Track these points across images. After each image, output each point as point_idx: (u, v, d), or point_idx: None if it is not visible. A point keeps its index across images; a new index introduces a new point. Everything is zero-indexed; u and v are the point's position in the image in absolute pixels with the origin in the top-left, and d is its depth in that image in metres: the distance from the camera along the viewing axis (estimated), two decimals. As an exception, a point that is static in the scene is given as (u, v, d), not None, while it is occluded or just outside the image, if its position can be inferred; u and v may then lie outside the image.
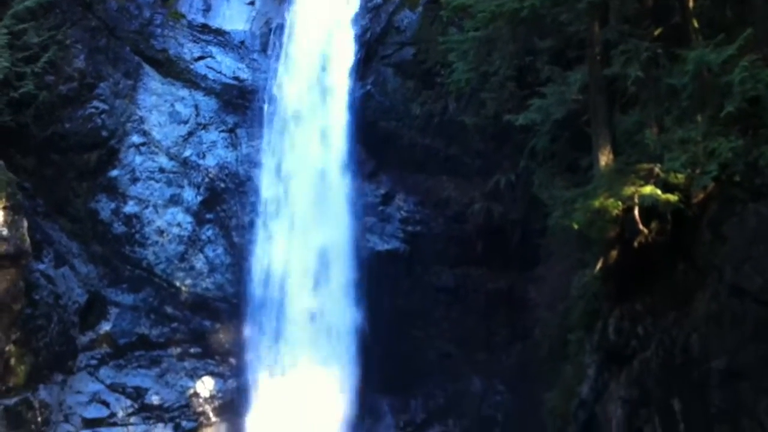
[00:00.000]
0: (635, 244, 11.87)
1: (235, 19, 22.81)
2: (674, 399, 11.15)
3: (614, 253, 12.64)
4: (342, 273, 19.99)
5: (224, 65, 22.01)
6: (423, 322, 19.65)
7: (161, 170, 20.89)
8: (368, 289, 19.58)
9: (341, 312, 19.59)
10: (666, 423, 11.32)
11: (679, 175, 10.99)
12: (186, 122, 21.34)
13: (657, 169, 11.23)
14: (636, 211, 11.39)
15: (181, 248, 20.73)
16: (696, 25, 11.75)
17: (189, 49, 21.91)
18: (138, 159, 20.83)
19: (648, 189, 11.11)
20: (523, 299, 17.52)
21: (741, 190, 10.69)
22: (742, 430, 9.82)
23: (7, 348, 17.74)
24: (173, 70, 21.73)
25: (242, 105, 21.79)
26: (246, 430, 19.40)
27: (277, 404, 19.18)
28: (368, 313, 19.28)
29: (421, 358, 19.48)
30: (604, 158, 12.61)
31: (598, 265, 12.91)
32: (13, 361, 17.88)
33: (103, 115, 20.49)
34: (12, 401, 17.85)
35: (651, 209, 11.34)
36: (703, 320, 10.80)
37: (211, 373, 20.05)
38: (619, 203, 11.36)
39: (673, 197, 11.00)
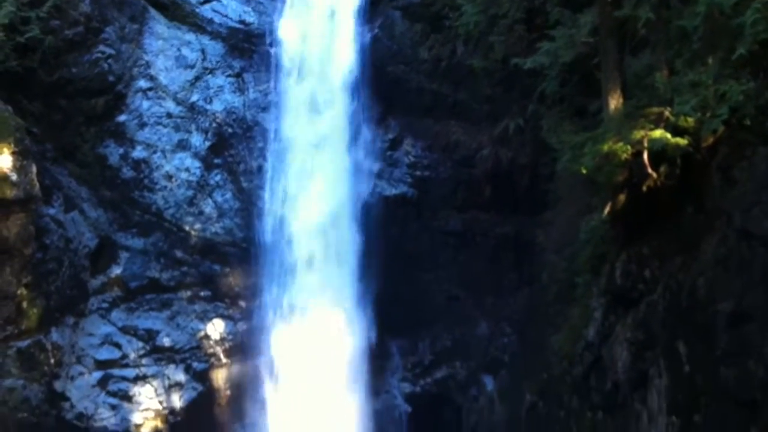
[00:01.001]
0: (643, 188, 11.87)
1: (240, -39, 22.51)
2: (680, 341, 11.26)
3: (622, 198, 12.67)
4: (349, 218, 20.04)
5: (230, 8, 21.77)
6: (431, 265, 19.77)
7: (168, 115, 20.84)
8: (376, 233, 19.65)
9: (349, 256, 19.69)
10: (671, 365, 11.46)
11: (689, 119, 10.93)
12: (192, 67, 21.21)
13: (667, 113, 11.18)
14: (645, 155, 11.34)
15: (190, 193, 20.80)
16: (707, -35, 11.58)
17: (194, -8, 21.69)
18: (145, 104, 20.76)
19: (657, 133, 11.06)
20: (531, 243, 17.59)
21: (751, 134, 10.63)
22: (748, 371, 9.92)
23: (18, 291, 17.95)
24: (179, 13, 21.52)
25: (248, 49, 21.63)
26: (256, 372, 19.64)
27: (287, 346, 19.42)
28: (376, 257, 19.37)
29: (428, 302, 19.66)
30: (614, 102, 12.55)
31: (606, 210, 12.95)
32: (25, 304, 18.10)
33: (109, 60, 20.35)
34: (25, 343, 18.12)
35: (660, 153, 11.30)
36: (710, 264, 10.83)
37: (221, 316, 20.30)
38: (628, 147, 11.32)
39: (682, 141, 10.95)
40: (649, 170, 11.53)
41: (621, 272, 12.88)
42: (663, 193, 11.80)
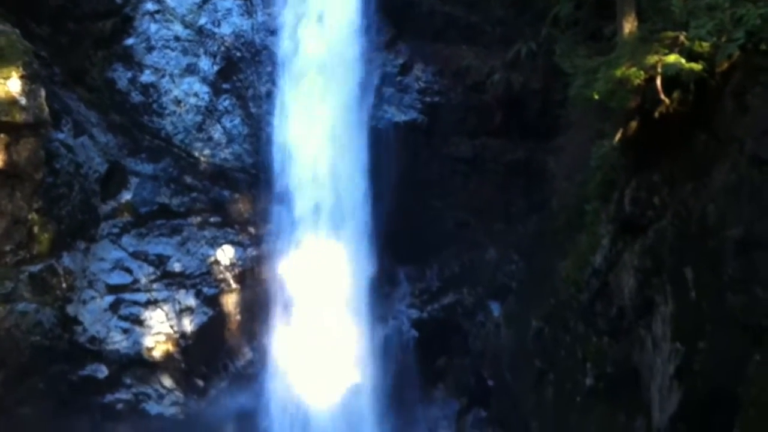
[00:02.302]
0: (656, 114, 11.71)
1: None
2: (687, 268, 11.24)
3: (634, 124, 12.52)
4: (359, 143, 19.92)
5: (237, -72, 21.32)
6: (440, 192, 19.73)
7: (176, 39, 20.60)
8: (386, 160, 19.56)
9: (358, 182, 19.63)
10: (677, 291, 11.47)
11: (704, 44, 10.73)
12: (200, -12, 20.90)
13: (682, 37, 10.96)
14: (658, 81, 11.14)
15: (199, 118, 20.71)
16: None
17: None
18: (153, 27, 20.51)
19: (672, 58, 10.85)
20: (541, 170, 17.50)
21: (767, 59, 10.43)
22: (755, 298, 9.93)
23: (29, 216, 18.07)
24: (184, -67, 21.10)
25: (256, -31, 21.24)
26: (266, 297, 19.82)
27: (296, 272, 19.52)
28: (385, 184, 19.31)
29: (438, 228, 19.67)
30: (628, 26, 12.32)
31: (618, 136, 12.81)
32: (36, 229, 18.23)
33: (115, -18, 20.10)
34: (36, 268, 18.31)
35: (673, 79, 11.10)
36: (720, 191, 10.75)
37: (231, 242, 20.40)
38: (642, 72, 11.12)
39: (696, 66, 10.75)
40: (662, 96, 11.34)
41: (630, 199, 12.81)
42: (675, 119, 11.64)
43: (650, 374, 12.09)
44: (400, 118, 20.18)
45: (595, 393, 13.79)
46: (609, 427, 13.31)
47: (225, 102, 20.78)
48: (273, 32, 20.83)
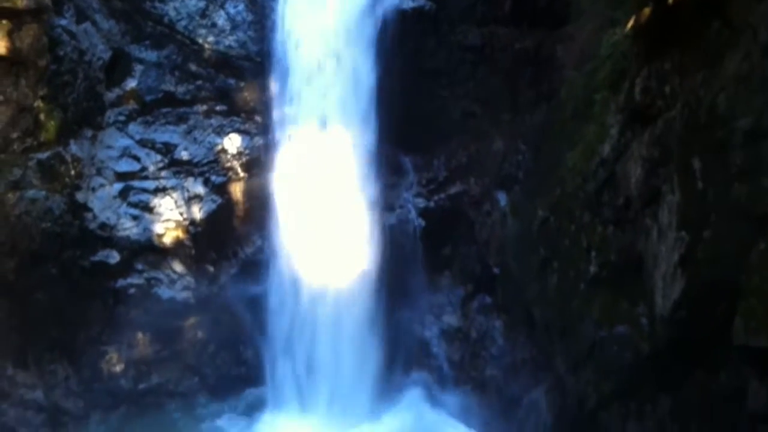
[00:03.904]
0: (669, 1, 11.51)
1: None
2: (695, 158, 11.26)
3: (647, 11, 12.31)
4: (365, 31, 19.60)
5: None
6: (448, 81, 19.54)
7: None
8: (392, 48, 19.30)
9: (364, 70, 19.41)
10: (684, 181, 11.52)
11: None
12: None
13: None
14: (674, -34, 10.94)
15: (202, 4, 20.37)
16: None
17: None
18: None
19: (689, -59, 10.61)
20: (551, 59, 17.25)
21: (786, -56, 10.16)
22: (761, 187, 9.98)
23: (35, 104, 18.03)
24: None
25: None
26: (274, 186, 19.94)
27: (303, 161, 19.57)
28: (392, 73, 19.13)
29: (445, 118, 19.59)
30: None
31: (629, 24, 12.63)
32: (42, 116, 18.22)
33: None
34: (44, 155, 18.39)
35: (689, -36, 10.89)
36: (732, 80, 10.65)
37: (238, 131, 20.39)
38: (657, -43, 10.90)
39: (713, -50, 10.52)
40: (677, -18, 11.15)
41: (641, 88, 12.71)
42: (689, 6, 11.43)
43: (654, 263, 12.26)
44: (408, 5, 19.76)
45: (598, 281, 14.02)
46: (611, 313, 13.59)
47: (228, -13, 20.38)
48: None
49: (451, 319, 19.80)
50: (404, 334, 19.81)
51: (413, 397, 19.47)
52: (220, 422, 19.30)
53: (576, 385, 14.95)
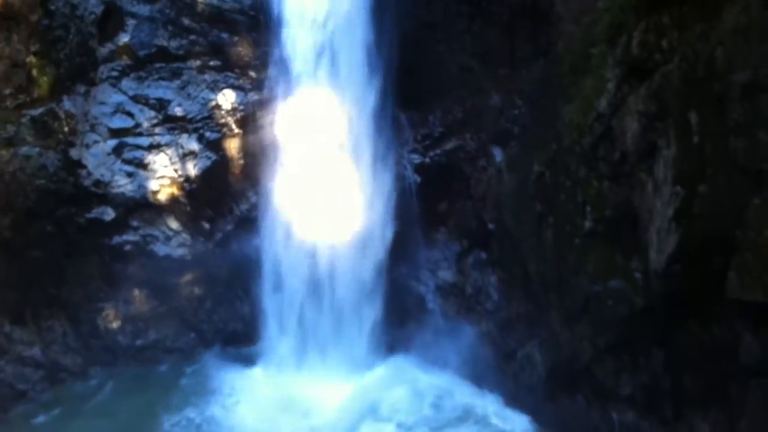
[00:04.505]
0: (668, -47, 11.38)
1: None
2: (692, 112, 11.22)
3: (645, -37, 12.17)
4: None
5: None
6: (444, 36, 19.30)
7: None
8: (388, 1, 19.06)
9: (359, 25, 19.18)
10: (681, 136, 11.49)
11: None
12: None
13: None
14: None
15: (195, -43, 20.10)
16: None
17: None
18: None
19: None
20: (548, 12, 17.02)
21: None
22: (758, 142, 9.97)
23: (28, 60, 17.91)
24: None
25: None
26: (268, 142, 19.85)
27: (298, 117, 19.45)
28: (387, 27, 18.91)
29: (440, 73, 19.41)
30: None
31: (628, -24, 12.48)
32: (35, 72, 18.11)
33: None
34: (37, 112, 18.32)
35: None
36: (730, 33, 10.57)
37: (232, 86, 20.22)
38: None
39: None
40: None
41: (638, 42, 12.61)
42: (688, -42, 11.31)
43: (649, 217, 12.29)
44: (404, -43, 19.47)
45: (593, 235, 14.06)
46: (606, 267, 13.66)
47: (221, -62, 20.06)
48: None
49: (446, 275, 19.87)
50: (400, 289, 19.90)
51: (408, 350, 19.62)
52: (218, 377, 19.44)
53: (570, 339, 15.08)
